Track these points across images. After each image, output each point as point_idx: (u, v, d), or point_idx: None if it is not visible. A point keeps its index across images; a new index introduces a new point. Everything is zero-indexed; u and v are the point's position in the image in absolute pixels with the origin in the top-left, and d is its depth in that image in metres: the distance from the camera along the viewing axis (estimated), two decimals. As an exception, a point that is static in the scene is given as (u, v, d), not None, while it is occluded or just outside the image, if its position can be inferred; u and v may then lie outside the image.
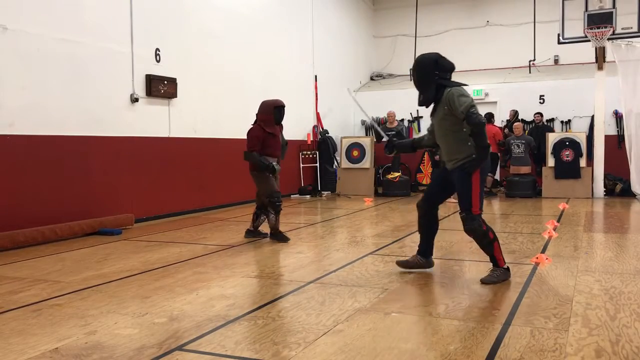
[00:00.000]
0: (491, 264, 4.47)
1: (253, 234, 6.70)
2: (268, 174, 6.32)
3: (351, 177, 12.74)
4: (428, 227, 4.69)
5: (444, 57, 4.35)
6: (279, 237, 6.42)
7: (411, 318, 3.56)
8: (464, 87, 4.32)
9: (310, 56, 13.16)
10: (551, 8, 12.74)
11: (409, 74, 15.50)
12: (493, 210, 9.67)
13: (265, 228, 6.73)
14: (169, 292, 4.23)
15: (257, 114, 6.55)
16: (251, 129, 6.50)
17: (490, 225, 4.41)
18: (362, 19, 16.10)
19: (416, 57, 4.55)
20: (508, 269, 4.47)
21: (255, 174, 6.44)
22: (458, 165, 4.26)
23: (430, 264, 4.73)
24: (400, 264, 4.77)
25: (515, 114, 13.07)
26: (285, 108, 6.54)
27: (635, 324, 3.36)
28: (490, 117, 12.77)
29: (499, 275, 4.37)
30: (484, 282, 4.32)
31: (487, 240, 4.34)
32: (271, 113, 6.40)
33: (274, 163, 6.35)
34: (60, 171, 7.04)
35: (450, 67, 4.32)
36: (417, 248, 4.76)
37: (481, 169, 4.24)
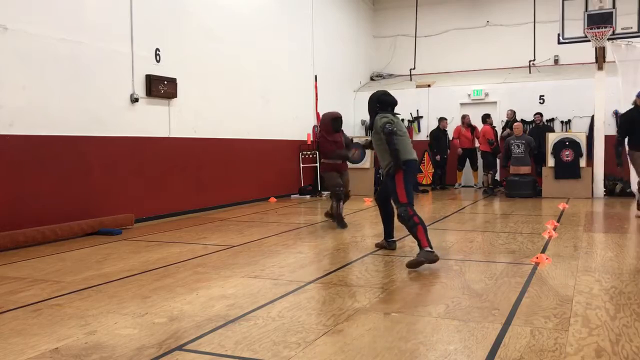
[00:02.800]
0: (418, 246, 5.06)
1: (331, 215, 7.81)
2: (333, 173, 7.65)
3: (351, 177, 12.65)
4: (385, 215, 5.84)
5: (387, 95, 5.64)
6: (339, 222, 7.54)
7: (411, 318, 3.56)
8: (389, 115, 5.48)
9: (310, 56, 13.16)
10: (551, 8, 12.74)
11: (409, 74, 15.55)
12: (493, 210, 9.66)
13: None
14: (169, 292, 4.23)
15: (319, 126, 7.88)
16: (319, 140, 7.96)
17: (419, 215, 5.15)
18: (362, 19, 16.10)
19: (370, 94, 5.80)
20: (432, 251, 4.95)
21: (325, 174, 7.80)
22: (386, 170, 5.36)
23: (393, 246, 5.87)
24: (377, 245, 5.98)
25: (513, 113, 13.07)
26: (341, 118, 7.76)
27: (635, 324, 3.36)
28: (485, 117, 12.82)
29: (421, 255, 4.92)
30: (408, 266, 4.93)
31: (411, 223, 5.08)
32: (330, 124, 7.64)
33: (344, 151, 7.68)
34: (60, 171, 7.04)
35: (391, 103, 5.59)
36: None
37: (405, 172, 5.21)
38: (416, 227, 5.07)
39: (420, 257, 4.92)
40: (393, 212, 5.74)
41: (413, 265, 4.91)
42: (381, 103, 5.61)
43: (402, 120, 14.29)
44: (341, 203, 7.63)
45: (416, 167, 5.61)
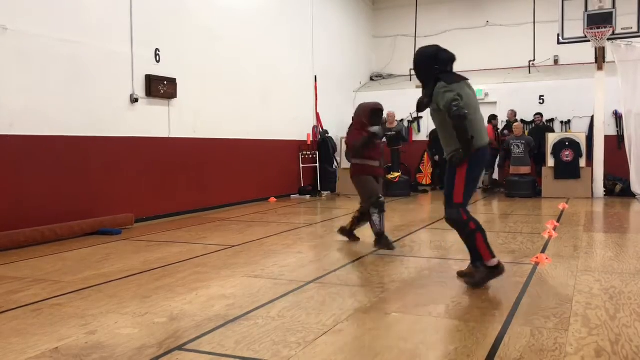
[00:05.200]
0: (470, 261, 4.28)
1: (347, 233, 6.36)
2: (368, 178, 6.04)
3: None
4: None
5: (444, 50, 4.33)
6: (383, 242, 5.90)
7: (411, 318, 3.56)
8: (454, 87, 4.16)
9: (310, 56, 13.16)
10: (551, 8, 12.73)
11: (409, 74, 15.54)
12: (493, 211, 9.67)
13: (359, 233, 6.39)
14: (168, 292, 4.23)
15: (353, 117, 6.31)
16: (349, 133, 6.23)
17: (476, 218, 4.22)
18: (362, 19, 16.10)
19: (415, 51, 4.55)
20: (497, 266, 4.13)
21: (355, 179, 6.14)
22: (448, 157, 4.31)
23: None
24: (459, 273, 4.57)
25: (514, 114, 13.07)
26: (383, 111, 6.26)
27: (635, 324, 3.36)
28: (491, 118, 12.80)
29: (481, 272, 4.11)
30: (467, 283, 4.17)
31: (468, 230, 4.16)
32: (368, 116, 6.05)
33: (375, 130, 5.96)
34: (60, 171, 7.04)
35: (451, 59, 4.30)
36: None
37: (472, 164, 4.15)
38: (474, 235, 4.16)
39: (481, 274, 4.12)
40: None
41: (473, 284, 4.13)
42: (440, 62, 4.26)
43: (402, 120, 14.51)
44: (383, 216, 6.01)
45: (487, 156, 4.34)
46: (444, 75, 4.24)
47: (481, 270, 4.13)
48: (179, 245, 6.29)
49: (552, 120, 13.54)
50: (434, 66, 4.26)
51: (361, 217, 6.25)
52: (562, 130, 13.16)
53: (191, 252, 5.88)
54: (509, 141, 11.80)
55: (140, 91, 8.26)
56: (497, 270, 4.14)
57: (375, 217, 5.92)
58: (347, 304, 3.84)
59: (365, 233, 7.16)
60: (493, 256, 4.15)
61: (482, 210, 9.68)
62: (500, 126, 13.29)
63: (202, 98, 9.52)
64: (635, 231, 7.20)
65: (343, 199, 11.84)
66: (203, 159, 9.56)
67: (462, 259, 5.36)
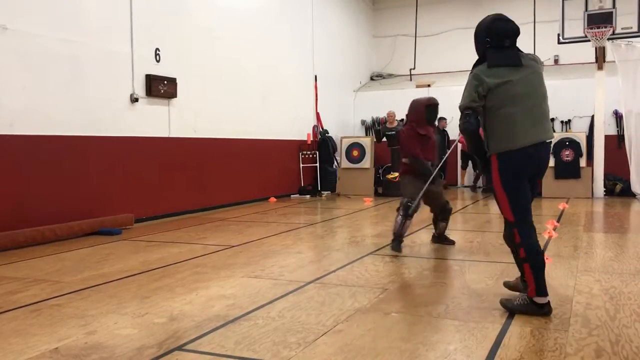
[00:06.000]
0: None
1: (439, 239, 6.13)
2: (416, 180, 5.79)
3: (351, 177, 12.74)
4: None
5: (501, 19, 3.65)
6: (392, 243, 5.73)
7: (411, 318, 3.56)
8: (522, 65, 3.54)
9: (310, 56, 13.15)
10: (551, 8, 12.73)
11: (409, 73, 15.55)
12: (493, 210, 9.66)
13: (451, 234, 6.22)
14: (168, 292, 4.23)
15: (407, 115, 6.08)
16: (402, 131, 6.02)
17: (533, 243, 3.54)
18: (362, 19, 16.10)
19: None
20: (543, 306, 3.48)
21: (400, 179, 5.98)
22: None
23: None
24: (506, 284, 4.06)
25: None
26: (438, 106, 5.96)
27: (635, 324, 3.36)
28: None
29: (521, 305, 3.54)
30: (503, 304, 3.67)
31: (517, 257, 3.62)
32: (423, 112, 5.82)
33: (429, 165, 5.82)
34: (60, 171, 7.04)
35: (509, 32, 3.58)
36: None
37: (503, 171, 3.54)
38: (522, 265, 3.58)
39: (519, 306, 3.56)
40: None
41: (506, 307, 3.62)
42: (494, 34, 3.58)
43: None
44: (408, 222, 5.74)
45: (529, 159, 3.56)
46: (492, 53, 3.57)
47: (523, 301, 3.55)
48: (178, 246, 6.29)
49: (552, 120, 13.53)
50: (485, 39, 3.61)
51: (435, 218, 6.11)
52: (562, 130, 13.16)
53: (191, 252, 5.88)
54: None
55: (140, 91, 8.25)
56: (542, 309, 3.49)
57: (399, 218, 5.71)
58: (347, 304, 3.84)
59: (367, 233, 7.16)
60: (542, 294, 3.47)
61: (482, 210, 9.68)
62: None
63: (202, 98, 9.52)
64: (635, 231, 7.20)
65: (343, 198, 11.84)
66: (203, 159, 9.56)
67: (461, 259, 5.36)
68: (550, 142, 3.66)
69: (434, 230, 6.19)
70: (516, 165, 3.54)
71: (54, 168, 6.96)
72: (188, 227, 7.72)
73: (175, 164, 8.93)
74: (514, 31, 3.61)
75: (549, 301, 3.51)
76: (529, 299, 3.50)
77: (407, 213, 5.67)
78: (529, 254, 3.50)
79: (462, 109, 3.58)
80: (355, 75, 15.71)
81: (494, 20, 3.64)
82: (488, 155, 3.64)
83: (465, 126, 3.55)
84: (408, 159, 5.83)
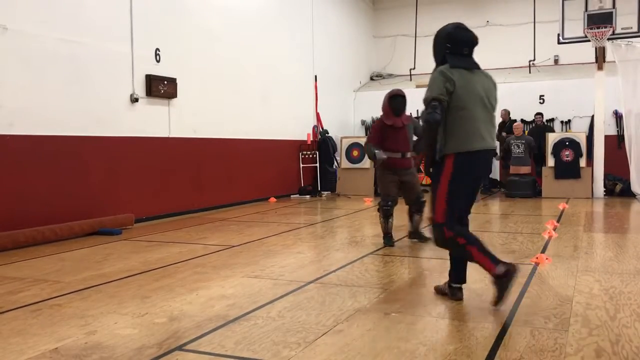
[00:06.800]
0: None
1: (414, 235, 6.21)
2: (386, 173, 5.91)
3: (351, 177, 12.74)
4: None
5: (462, 28, 3.78)
6: (386, 240, 5.95)
7: (411, 318, 3.56)
8: (444, 72, 3.64)
9: (310, 56, 13.16)
10: (551, 8, 12.74)
11: (409, 73, 15.54)
12: (493, 211, 9.67)
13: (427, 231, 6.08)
14: (169, 292, 4.23)
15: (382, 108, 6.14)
16: (373, 125, 6.17)
17: (457, 227, 3.68)
18: (362, 19, 16.10)
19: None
20: (505, 273, 3.53)
21: (377, 172, 6.06)
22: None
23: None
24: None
25: (507, 113, 13.01)
26: (404, 98, 5.95)
27: (635, 324, 3.36)
28: None
29: (502, 285, 3.56)
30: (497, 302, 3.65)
31: (458, 248, 3.68)
32: (387, 104, 5.90)
33: (381, 152, 5.81)
34: (60, 171, 7.04)
35: (467, 41, 3.71)
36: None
37: (456, 170, 3.61)
38: (468, 251, 3.67)
39: (502, 288, 3.58)
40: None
41: (500, 299, 3.63)
42: (453, 42, 3.71)
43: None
44: (390, 219, 5.95)
45: (482, 163, 3.72)
46: (452, 57, 3.71)
47: (498, 282, 3.55)
48: (178, 246, 6.29)
49: (552, 120, 13.54)
50: (445, 45, 3.73)
51: (410, 211, 6.16)
52: (562, 130, 13.16)
53: (191, 252, 5.88)
54: (509, 141, 11.80)
55: (140, 91, 8.25)
56: (506, 277, 3.53)
57: (381, 220, 5.99)
58: (347, 304, 3.84)
59: (367, 233, 7.16)
60: (496, 262, 3.56)
61: (482, 210, 9.68)
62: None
63: (202, 98, 9.52)
64: (635, 231, 7.20)
65: (343, 199, 11.84)
66: (203, 159, 9.56)
67: (462, 259, 5.36)
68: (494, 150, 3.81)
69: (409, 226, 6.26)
70: (470, 166, 3.64)
71: (54, 168, 6.96)
72: (188, 227, 7.72)
73: (175, 164, 8.93)
74: (473, 40, 3.76)
75: (507, 262, 3.58)
76: (495, 275, 3.53)
77: (385, 215, 5.93)
78: (468, 240, 3.60)
79: (429, 100, 3.58)
80: (355, 75, 15.71)
81: (456, 28, 3.79)
82: (440, 155, 3.67)
83: (432, 117, 3.54)
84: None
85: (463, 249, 3.65)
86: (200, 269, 5.06)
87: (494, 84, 3.90)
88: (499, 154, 12.71)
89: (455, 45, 3.71)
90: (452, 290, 3.89)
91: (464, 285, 3.95)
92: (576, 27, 11.05)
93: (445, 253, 5.35)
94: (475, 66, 3.76)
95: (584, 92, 12.53)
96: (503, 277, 3.54)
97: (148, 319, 3.59)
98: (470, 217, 3.99)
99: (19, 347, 3.11)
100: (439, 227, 3.68)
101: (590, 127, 12.43)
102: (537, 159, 11.98)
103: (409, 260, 5.38)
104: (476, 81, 3.71)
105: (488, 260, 3.57)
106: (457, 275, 3.89)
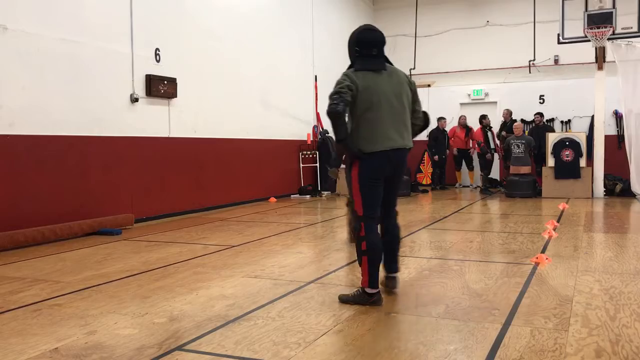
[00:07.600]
0: None
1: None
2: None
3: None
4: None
5: (368, 29, 3.90)
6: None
7: (411, 318, 3.56)
8: (349, 75, 3.79)
9: (310, 56, 13.16)
10: (551, 8, 12.74)
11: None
12: (493, 211, 9.67)
13: None
14: (169, 292, 4.23)
15: None
16: None
17: (375, 240, 3.80)
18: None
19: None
20: (372, 295, 3.74)
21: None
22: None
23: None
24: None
25: (510, 113, 13.03)
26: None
27: (635, 324, 3.36)
28: (481, 118, 12.88)
29: (354, 296, 3.81)
30: (340, 298, 3.89)
31: (359, 249, 3.81)
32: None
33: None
34: (60, 171, 7.04)
35: (372, 41, 3.82)
36: None
37: (362, 169, 3.74)
38: (360, 258, 3.82)
39: (354, 298, 3.83)
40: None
41: (341, 299, 3.90)
42: (361, 44, 3.83)
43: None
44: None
45: (384, 164, 3.78)
46: (360, 60, 3.83)
47: (358, 293, 3.81)
48: (179, 246, 6.29)
49: (552, 120, 13.55)
50: (354, 48, 3.86)
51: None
52: (562, 130, 13.17)
53: (191, 252, 5.88)
54: (509, 141, 11.80)
55: (140, 91, 8.25)
56: (372, 297, 3.74)
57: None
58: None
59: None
60: (373, 287, 3.75)
61: (481, 211, 9.68)
62: (497, 126, 13.31)
63: (202, 98, 9.52)
64: (635, 231, 7.20)
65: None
66: (203, 159, 9.56)
67: (462, 259, 5.36)
68: (410, 148, 3.89)
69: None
70: (375, 166, 3.76)
71: (54, 168, 6.97)
72: (188, 227, 7.72)
73: (175, 164, 8.93)
74: (379, 40, 3.86)
75: (379, 291, 3.80)
76: (362, 289, 3.78)
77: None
78: (369, 249, 3.74)
79: (331, 94, 3.68)
80: (355, 75, 15.69)
81: (363, 30, 3.91)
82: (353, 156, 3.77)
83: (332, 107, 3.60)
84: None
85: (361, 253, 3.78)
86: (200, 269, 5.06)
87: (409, 82, 3.96)
88: (494, 153, 12.77)
89: (363, 48, 3.83)
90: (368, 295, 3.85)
91: (463, 285, 3.95)
92: (576, 27, 11.05)
93: (446, 253, 5.35)
94: (383, 67, 3.86)
95: (584, 92, 12.55)
96: (368, 295, 3.76)
97: (148, 319, 3.59)
98: (397, 208, 4.24)
99: (19, 347, 3.11)
100: (359, 219, 3.83)
101: (590, 127, 12.44)
102: (537, 159, 11.99)
103: (409, 260, 5.37)
104: (383, 82, 3.80)
105: (367, 279, 3.74)
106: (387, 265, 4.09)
